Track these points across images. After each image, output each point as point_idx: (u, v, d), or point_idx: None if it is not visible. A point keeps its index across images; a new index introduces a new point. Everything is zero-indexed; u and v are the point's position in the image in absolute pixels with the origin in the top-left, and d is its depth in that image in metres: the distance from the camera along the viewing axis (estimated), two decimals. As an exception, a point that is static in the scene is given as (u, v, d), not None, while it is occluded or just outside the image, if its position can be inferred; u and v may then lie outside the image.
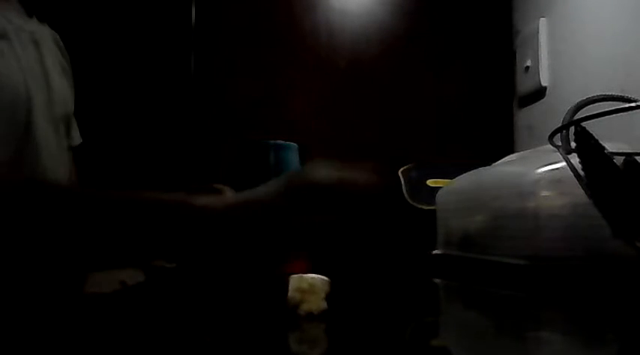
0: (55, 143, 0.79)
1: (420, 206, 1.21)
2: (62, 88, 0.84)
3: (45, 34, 0.84)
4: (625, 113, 0.49)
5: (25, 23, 0.79)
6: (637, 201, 0.50)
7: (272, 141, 1.06)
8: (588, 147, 0.52)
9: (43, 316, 0.54)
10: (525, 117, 1.38)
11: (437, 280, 0.90)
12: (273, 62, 1.44)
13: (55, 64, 0.84)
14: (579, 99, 0.67)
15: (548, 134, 0.60)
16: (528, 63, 1.31)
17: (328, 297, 0.52)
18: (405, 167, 1.32)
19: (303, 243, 0.62)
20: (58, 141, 0.81)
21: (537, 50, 1.27)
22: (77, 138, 0.94)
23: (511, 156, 0.94)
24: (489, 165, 0.92)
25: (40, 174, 0.75)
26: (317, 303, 0.50)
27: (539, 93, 1.28)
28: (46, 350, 0.41)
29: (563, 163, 0.59)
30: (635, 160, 0.50)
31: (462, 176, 0.95)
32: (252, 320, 0.54)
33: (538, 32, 1.27)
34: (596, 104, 0.66)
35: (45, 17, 0.85)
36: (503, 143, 1.43)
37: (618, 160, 0.50)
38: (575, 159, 0.55)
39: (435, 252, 0.96)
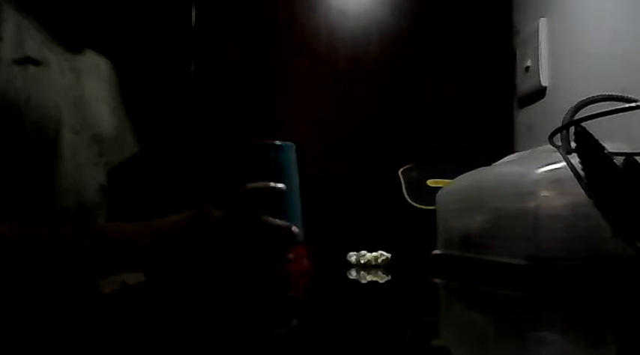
0: (85, 158, 0.89)
1: (420, 206, 1.21)
2: (99, 113, 0.94)
3: (90, 64, 0.96)
4: (625, 113, 0.49)
5: (71, 55, 0.91)
6: (637, 201, 0.50)
7: (270, 142, 1.06)
8: (588, 147, 0.52)
9: (43, 316, 0.54)
10: (525, 117, 1.38)
11: (437, 280, 0.90)
12: (273, 63, 1.44)
13: (97, 93, 0.96)
14: (579, 99, 0.67)
15: (548, 134, 0.60)
16: (528, 63, 1.31)
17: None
18: (405, 167, 1.32)
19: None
20: (88, 157, 0.90)
21: (537, 50, 1.27)
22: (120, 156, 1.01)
23: (511, 156, 0.94)
24: (489, 165, 0.92)
25: (66, 183, 0.84)
26: None
27: (539, 93, 1.28)
28: (47, 350, 0.41)
29: (563, 163, 0.59)
30: (635, 160, 0.50)
31: (462, 176, 0.95)
32: (251, 320, 0.54)
33: (538, 32, 1.27)
34: (597, 104, 0.66)
35: (103, 51, 1.00)
36: (503, 143, 1.43)
37: (618, 160, 0.50)
38: (575, 159, 0.55)
39: (435, 252, 0.96)
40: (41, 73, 0.82)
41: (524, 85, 1.35)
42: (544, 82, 1.26)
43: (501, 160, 0.93)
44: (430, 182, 1.25)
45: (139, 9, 1.39)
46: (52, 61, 0.85)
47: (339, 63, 1.45)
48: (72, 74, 0.89)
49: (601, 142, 0.51)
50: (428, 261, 0.97)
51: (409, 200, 1.23)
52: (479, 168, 0.92)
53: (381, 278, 0.92)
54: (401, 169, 1.31)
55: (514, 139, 1.44)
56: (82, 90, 0.91)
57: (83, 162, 0.88)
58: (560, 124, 0.60)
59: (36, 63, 0.81)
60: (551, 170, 0.68)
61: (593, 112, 0.51)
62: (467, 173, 0.93)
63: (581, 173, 0.54)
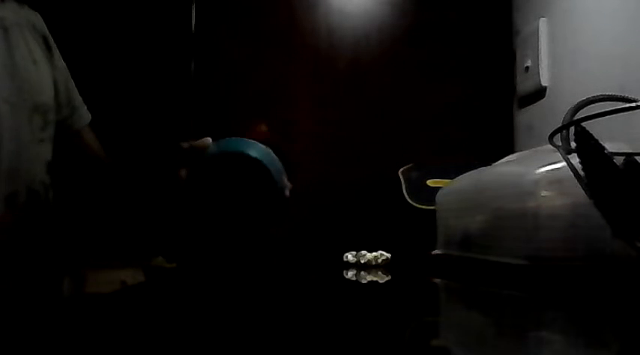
0: (27, 133, 0.79)
1: (420, 206, 1.21)
2: (36, 77, 0.82)
3: (19, 19, 0.82)
4: (625, 113, 0.49)
5: None
6: (637, 201, 0.50)
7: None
8: (588, 147, 0.51)
9: (42, 316, 0.54)
10: (525, 117, 1.38)
11: (437, 280, 0.90)
12: (273, 63, 1.44)
13: (28, 51, 0.82)
14: (579, 99, 0.67)
15: (548, 134, 0.60)
16: (528, 63, 1.31)
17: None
18: (405, 167, 1.32)
19: None
20: (30, 131, 0.80)
21: (537, 50, 1.27)
22: (79, 121, 0.95)
23: (511, 156, 0.94)
24: (489, 165, 0.92)
25: (10, 166, 0.77)
26: None
27: (539, 93, 1.28)
28: (46, 350, 0.41)
29: (563, 163, 0.59)
30: (635, 160, 0.50)
31: (462, 176, 0.95)
32: (250, 319, 0.54)
33: (538, 32, 1.27)
34: (596, 104, 0.66)
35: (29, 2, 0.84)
36: (503, 143, 1.43)
37: (618, 160, 0.50)
38: (575, 159, 0.55)
39: (435, 252, 0.97)
40: None
41: (524, 85, 1.35)
42: (544, 82, 1.26)
43: (501, 160, 0.92)
44: (430, 182, 1.25)
45: (140, 9, 1.40)
46: None
47: (339, 63, 1.45)
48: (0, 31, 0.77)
49: (601, 142, 0.51)
50: (428, 261, 0.97)
51: (409, 200, 1.23)
52: (479, 168, 0.92)
53: (381, 278, 0.92)
54: (401, 169, 1.31)
55: (514, 139, 1.44)
56: (13, 51, 0.78)
57: (26, 140, 0.79)
58: (560, 124, 0.60)
59: None
60: (551, 170, 0.68)
61: (593, 112, 0.51)
62: (467, 173, 0.93)
63: (581, 173, 0.54)
